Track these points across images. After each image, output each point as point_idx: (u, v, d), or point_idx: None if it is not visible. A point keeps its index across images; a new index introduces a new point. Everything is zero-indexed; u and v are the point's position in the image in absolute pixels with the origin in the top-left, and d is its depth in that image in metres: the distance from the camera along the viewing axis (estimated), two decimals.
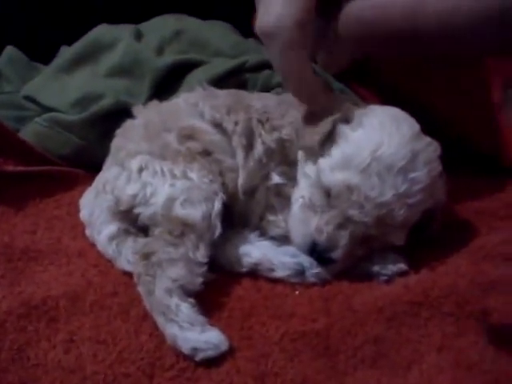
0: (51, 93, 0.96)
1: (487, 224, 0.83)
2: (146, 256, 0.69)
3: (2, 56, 1.06)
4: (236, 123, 0.78)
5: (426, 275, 0.72)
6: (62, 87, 0.96)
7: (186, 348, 0.62)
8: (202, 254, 0.70)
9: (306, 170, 0.74)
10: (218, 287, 0.70)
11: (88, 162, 0.90)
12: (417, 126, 0.73)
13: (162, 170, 0.73)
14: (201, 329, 0.63)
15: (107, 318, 0.65)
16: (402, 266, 0.73)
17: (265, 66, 0.96)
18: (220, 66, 0.94)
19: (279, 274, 0.72)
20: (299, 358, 0.62)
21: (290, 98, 0.75)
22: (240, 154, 0.77)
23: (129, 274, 0.71)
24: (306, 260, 0.72)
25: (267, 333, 0.65)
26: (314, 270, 0.71)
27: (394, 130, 0.70)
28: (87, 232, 0.77)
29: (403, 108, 0.75)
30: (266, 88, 0.94)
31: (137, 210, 0.73)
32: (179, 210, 0.71)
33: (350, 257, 0.71)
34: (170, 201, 0.71)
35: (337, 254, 0.70)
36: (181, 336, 0.62)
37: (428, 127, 0.74)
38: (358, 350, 0.63)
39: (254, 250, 0.73)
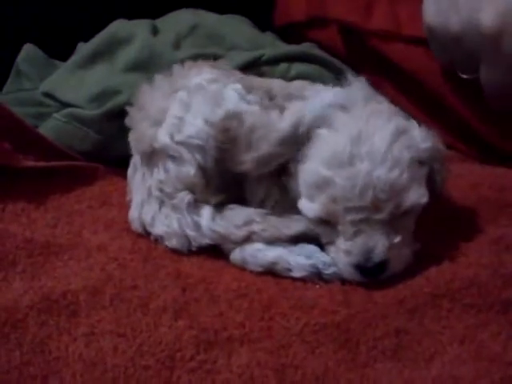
0: (69, 88, 0.96)
1: (507, 215, 0.82)
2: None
3: (21, 54, 1.06)
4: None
5: (447, 267, 0.71)
6: (79, 83, 0.96)
7: None
8: None
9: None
10: (237, 280, 0.70)
11: (107, 156, 0.91)
12: (358, 104, 0.72)
13: (177, 117, 0.74)
14: None
15: (127, 311, 0.65)
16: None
17: (282, 59, 0.96)
18: (236, 59, 0.94)
19: (296, 274, 0.71)
20: (320, 350, 0.62)
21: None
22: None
23: (148, 267, 0.72)
24: (320, 261, 0.71)
25: (288, 324, 0.64)
26: (328, 271, 0.71)
27: (327, 131, 0.70)
28: (174, 242, 0.75)
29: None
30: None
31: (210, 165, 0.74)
32: (217, 119, 0.73)
33: (394, 249, 0.69)
34: (206, 121, 0.73)
35: (378, 256, 0.68)
36: None
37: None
38: (379, 341, 0.63)
39: (270, 250, 0.72)
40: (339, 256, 0.70)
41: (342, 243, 0.70)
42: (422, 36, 0.95)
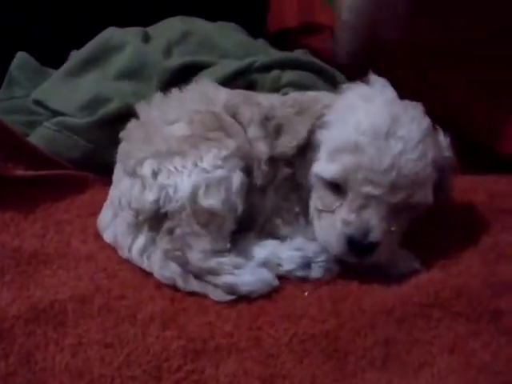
0: (60, 97, 0.96)
1: (500, 223, 0.82)
2: (170, 231, 0.71)
3: (14, 61, 1.06)
4: (249, 117, 0.77)
5: (437, 275, 0.71)
6: (70, 91, 0.96)
7: (245, 290, 0.68)
8: (226, 232, 0.72)
9: (309, 182, 0.74)
10: None
11: (97, 165, 0.90)
12: (390, 94, 0.73)
13: (176, 168, 0.72)
14: (251, 270, 0.70)
15: (115, 321, 0.65)
16: (415, 266, 0.73)
17: (273, 66, 0.96)
18: (228, 66, 0.94)
19: (286, 267, 0.72)
20: (308, 360, 0.62)
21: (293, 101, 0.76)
22: (261, 145, 0.76)
23: (137, 277, 0.71)
24: (310, 251, 0.72)
25: (276, 334, 0.64)
26: (319, 258, 0.72)
27: (367, 104, 0.71)
28: (119, 253, 0.75)
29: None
30: (275, 88, 0.93)
31: (163, 210, 0.72)
32: (203, 201, 0.71)
33: (388, 234, 0.69)
34: (194, 193, 0.71)
35: (374, 236, 0.68)
36: (239, 281, 0.68)
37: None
38: (368, 351, 0.63)
39: (260, 250, 0.73)
40: (334, 224, 0.70)
41: (344, 212, 0.69)
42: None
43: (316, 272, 0.72)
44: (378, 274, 0.72)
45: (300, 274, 0.72)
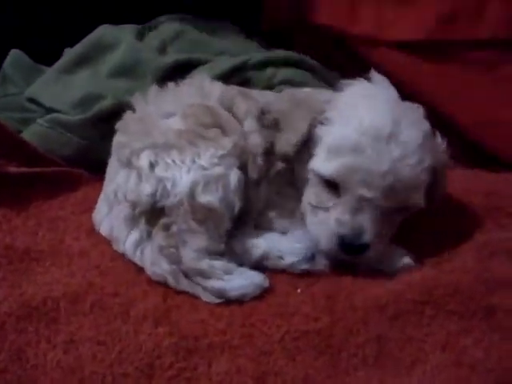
0: (53, 94, 0.96)
1: (495, 220, 0.82)
2: (166, 227, 0.71)
3: (7, 59, 1.06)
4: (245, 110, 0.77)
5: (431, 272, 0.71)
6: (64, 88, 0.96)
7: (235, 295, 0.67)
8: (223, 230, 0.72)
9: (305, 176, 0.74)
10: None
11: (90, 162, 0.90)
12: (392, 94, 0.73)
13: (174, 161, 0.72)
14: (240, 274, 0.69)
15: (107, 318, 0.65)
16: (409, 261, 0.73)
17: (268, 63, 0.96)
18: (223, 63, 0.94)
19: (288, 261, 0.72)
20: (300, 357, 0.62)
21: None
22: (256, 138, 0.76)
23: (130, 274, 0.71)
24: (312, 244, 0.72)
25: (269, 331, 0.64)
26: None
27: (369, 103, 0.71)
28: (114, 247, 0.75)
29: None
30: (270, 86, 0.94)
31: (160, 204, 0.72)
32: (201, 197, 0.71)
33: (380, 237, 0.70)
34: (193, 189, 0.71)
35: (367, 238, 0.69)
36: (228, 287, 0.67)
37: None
38: (361, 348, 0.62)
39: (262, 241, 0.73)
40: (328, 223, 0.70)
41: (338, 212, 0.70)
42: (405, 39, 0.95)
43: (321, 264, 0.72)
44: (371, 269, 0.72)
45: (303, 266, 0.72)
